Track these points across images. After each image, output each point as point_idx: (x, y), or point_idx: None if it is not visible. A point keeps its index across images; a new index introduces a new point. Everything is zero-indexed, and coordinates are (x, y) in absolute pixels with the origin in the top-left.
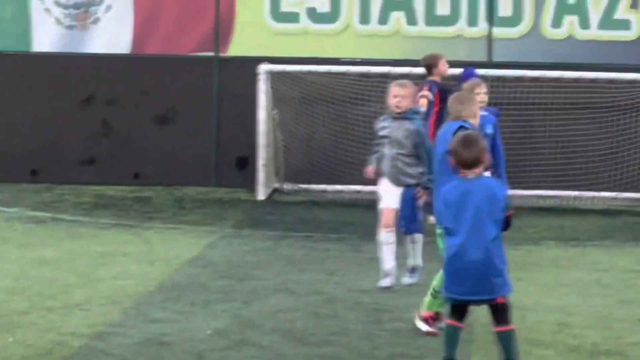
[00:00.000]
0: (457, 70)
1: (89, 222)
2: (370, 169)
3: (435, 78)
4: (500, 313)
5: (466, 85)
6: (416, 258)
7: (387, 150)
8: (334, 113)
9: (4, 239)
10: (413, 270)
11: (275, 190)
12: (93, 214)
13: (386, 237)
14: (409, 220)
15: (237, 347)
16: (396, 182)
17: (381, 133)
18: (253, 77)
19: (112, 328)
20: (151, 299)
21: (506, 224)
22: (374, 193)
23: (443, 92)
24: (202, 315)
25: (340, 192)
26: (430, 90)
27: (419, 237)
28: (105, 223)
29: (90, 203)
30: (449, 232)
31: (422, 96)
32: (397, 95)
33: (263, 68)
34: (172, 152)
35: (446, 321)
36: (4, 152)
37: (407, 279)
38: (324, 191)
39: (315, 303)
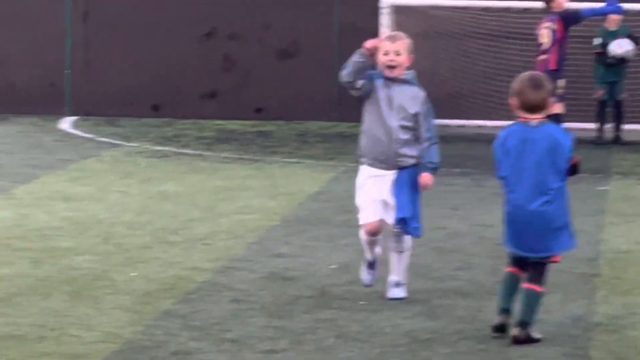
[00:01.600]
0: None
1: (210, 157)
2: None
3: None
4: (539, 271)
5: None
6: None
7: (378, 122)
8: (457, 48)
9: (127, 173)
10: (398, 285)
11: None
12: (215, 148)
13: (370, 241)
14: (404, 211)
15: (361, 281)
16: (390, 164)
17: (376, 94)
18: (375, 11)
19: (235, 263)
20: (274, 233)
21: (573, 171)
22: (496, 128)
23: (566, 20)
24: (326, 250)
25: (463, 126)
26: (551, 22)
27: (408, 243)
28: (227, 157)
29: (211, 137)
30: (506, 184)
31: (545, 27)
32: (389, 52)
33: (386, 2)
34: (293, 86)
35: (505, 269)
36: (126, 88)
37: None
38: (447, 126)
39: (439, 238)
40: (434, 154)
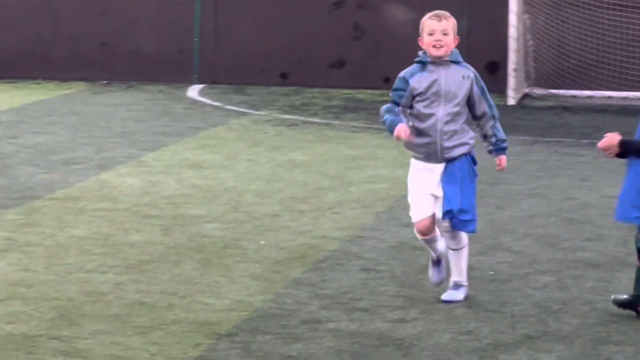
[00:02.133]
0: None
1: (339, 126)
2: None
3: None
4: None
5: None
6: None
7: (423, 113)
8: (585, 18)
9: (255, 141)
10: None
11: (525, 95)
12: (343, 117)
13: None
14: (452, 204)
15: (491, 251)
16: (437, 157)
17: (418, 90)
18: None
19: (365, 232)
20: (404, 203)
21: None
22: (625, 99)
23: None
24: None
25: (591, 97)
26: None
27: (464, 240)
28: (355, 126)
29: (339, 106)
30: None
31: None
32: (436, 31)
33: None
34: None
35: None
36: (255, 56)
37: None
38: (574, 96)
39: (568, 208)
40: (501, 131)
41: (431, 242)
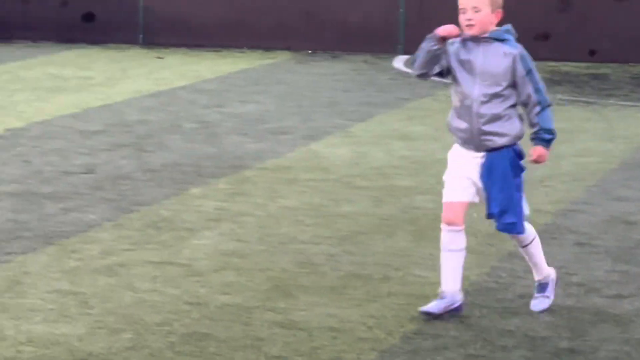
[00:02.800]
0: None
1: None
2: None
3: None
4: None
5: None
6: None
7: (459, 95)
8: None
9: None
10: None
11: None
12: (549, 90)
13: (450, 238)
14: (495, 206)
15: None
16: (476, 144)
17: (452, 64)
18: None
19: (576, 206)
20: (614, 176)
21: None
22: None
23: None
24: None
25: None
26: None
27: (525, 237)
28: (562, 99)
29: (545, 79)
30: None
31: None
32: (467, 9)
33: None
34: (630, 27)
35: None
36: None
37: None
38: None
39: None
40: (548, 120)
41: (454, 241)
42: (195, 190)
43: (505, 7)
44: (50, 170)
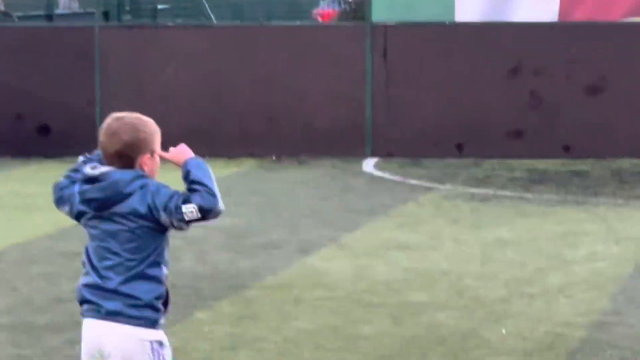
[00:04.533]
0: None
1: (533, 199)
2: None
3: None
4: None
5: None
6: None
7: None
8: None
9: (453, 219)
10: None
11: None
12: (533, 189)
13: None
14: None
15: None
16: None
17: None
18: None
19: (607, 317)
20: (634, 282)
21: None
22: None
23: None
24: None
25: None
26: None
27: None
28: (550, 199)
29: (524, 178)
30: None
31: None
32: None
33: None
34: (603, 123)
35: None
36: (430, 127)
37: None
38: None
39: None
40: None
41: None
42: (200, 315)
43: (477, 104)
44: (42, 298)
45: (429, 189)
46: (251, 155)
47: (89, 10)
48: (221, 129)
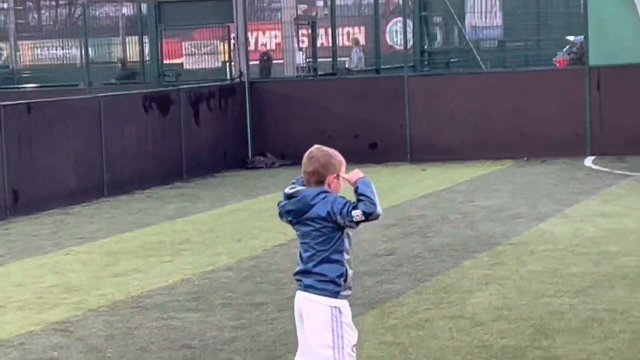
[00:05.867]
0: None
1: None
2: None
3: None
4: None
5: None
6: None
7: None
8: None
9: None
10: None
11: None
12: None
13: None
14: None
15: None
16: None
17: None
18: None
19: None
20: None
21: None
22: None
23: None
24: None
25: None
26: None
27: None
28: None
29: None
30: None
31: None
32: None
33: None
34: None
35: None
36: (630, 134)
37: None
38: None
39: None
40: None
41: None
42: (466, 263)
43: None
44: (364, 254)
45: (628, 176)
46: (510, 157)
47: (400, 64)
48: (486, 142)
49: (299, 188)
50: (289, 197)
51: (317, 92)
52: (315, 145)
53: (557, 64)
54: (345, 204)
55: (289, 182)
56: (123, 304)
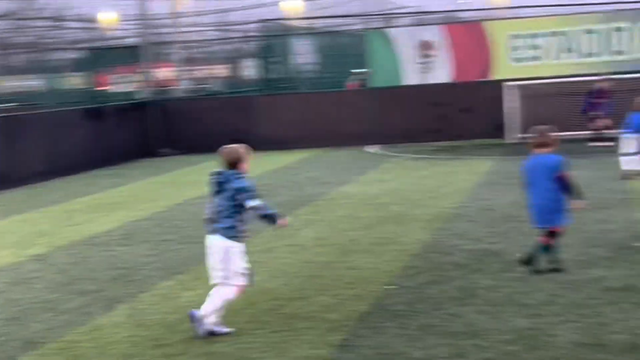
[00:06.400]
0: None
1: (437, 158)
2: None
3: None
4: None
5: None
6: None
7: None
8: None
9: (404, 167)
10: None
11: None
12: (438, 154)
13: None
14: None
15: None
16: None
17: None
18: None
19: (464, 204)
20: (479, 189)
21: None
22: None
23: None
24: None
25: None
26: None
27: None
28: (443, 157)
29: (436, 150)
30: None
31: None
32: None
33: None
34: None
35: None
36: (398, 130)
37: None
38: None
39: None
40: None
41: None
42: (298, 211)
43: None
44: None
45: (397, 156)
46: (321, 147)
47: (252, 88)
48: (305, 137)
49: (221, 170)
50: (214, 174)
51: (198, 106)
52: (227, 145)
53: (348, 87)
54: (247, 191)
55: (184, 165)
56: (79, 243)
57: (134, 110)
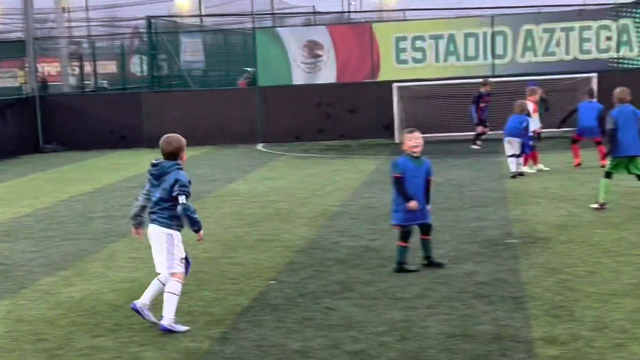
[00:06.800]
0: None
1: (324, 157)
2: None
3: None
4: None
5: None
6: None
7: None
8: None
9: (291, 166)
10: None
11: None
12: (325, 153)
13: None
14: None
15: None
16: None
17: None
18: None
19: (349, 200)
20: (363, 187)
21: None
22: None
23: None
24: None
25: None
26: None
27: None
28: (331, 156)
29: (324, 149)
30: None
31: None
32: None
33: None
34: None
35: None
36: (286, 129)
37: None
38: None
39: None
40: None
41: None
42: None
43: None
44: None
45: (283, 155)
46: (211, 144)
47: (139, 85)
48: (195, 134)
49: (160, 160)
50: (153, 165)
51: (85, 102)
52: (167, 134)
53: (240, 85)
54: (182, 185)
55: (69, 161)
56: None
57: (19, 105)
